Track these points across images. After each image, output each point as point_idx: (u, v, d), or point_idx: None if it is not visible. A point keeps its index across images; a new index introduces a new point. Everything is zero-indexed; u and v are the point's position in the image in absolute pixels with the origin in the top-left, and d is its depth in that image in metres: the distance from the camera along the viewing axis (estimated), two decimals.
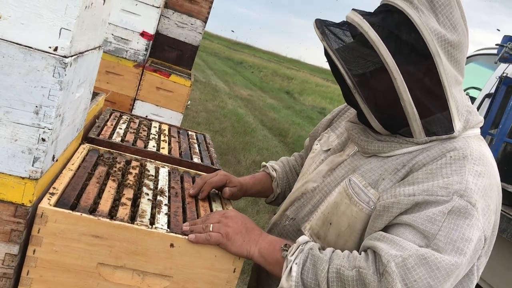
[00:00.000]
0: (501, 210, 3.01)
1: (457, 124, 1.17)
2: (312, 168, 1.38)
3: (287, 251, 1.14)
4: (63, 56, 0.99)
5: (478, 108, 4.00)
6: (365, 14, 1.13)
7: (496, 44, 3.87)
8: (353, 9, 1.15)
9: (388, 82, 1.10)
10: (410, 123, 1.15)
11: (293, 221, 1.33)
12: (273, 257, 1.16)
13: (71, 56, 1.04)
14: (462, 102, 1.19)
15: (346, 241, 1.19)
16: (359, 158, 1.25)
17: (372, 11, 1.19)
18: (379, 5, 1.20)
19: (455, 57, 1.14)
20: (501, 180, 3.91)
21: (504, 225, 2.92)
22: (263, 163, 1.70)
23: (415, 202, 1.07)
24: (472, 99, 4.35)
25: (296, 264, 1.10)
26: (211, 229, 1.15)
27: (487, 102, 3.85)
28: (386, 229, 1.11)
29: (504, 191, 3.18)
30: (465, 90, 4.77)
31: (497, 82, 3.71)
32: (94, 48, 1.37)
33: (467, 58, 4.73)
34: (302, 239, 1.16)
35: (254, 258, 1.18)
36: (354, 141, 1.28)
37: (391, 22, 1.12)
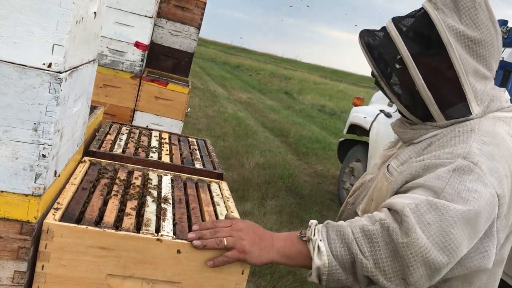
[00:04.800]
0: None
1: (475, 109, 1.29)
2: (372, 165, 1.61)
3: (305, 236, 1.18)
4: (57, 72, 1.00)
5: None
6: (399, 17, 1.33)
7: None
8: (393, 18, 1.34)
9: (408, 72, 1.27)
10: (430, 109, 1.29)
11: (352, 206, 1.51)
12: (294, 250, 1.19)
13: (66, 71, 1.05)
14: (485, 91, 1.30)
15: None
16: (402, 149, 1.41)
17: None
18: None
19: (477, 52, 1.27)
20: None
21: None
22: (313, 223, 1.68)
23: (424, 165, 1.21)
24: None
25: (321, 240, 1.15)
26: (225, 243, 1.14)
27: None
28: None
29: None
30: None
31: None
32: (89, 62, 1.38)
33: None
34: (312, 221, 1.22)
35: (276, 260, 1.19)
36: (396, 133, 1.44)
37: (414, 19, 1.30)
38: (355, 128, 5.93)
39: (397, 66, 1.33)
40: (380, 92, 5.71)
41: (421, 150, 1.31)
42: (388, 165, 1.38)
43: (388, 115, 5.22)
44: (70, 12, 1.00)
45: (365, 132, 5.50)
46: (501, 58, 3.75)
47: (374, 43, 1.34)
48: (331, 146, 9.09)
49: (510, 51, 3.79)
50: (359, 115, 5.78)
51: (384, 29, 1.33)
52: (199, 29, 4.52)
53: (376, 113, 5.35)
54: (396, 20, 1.30)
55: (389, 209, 1.17)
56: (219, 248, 1.14)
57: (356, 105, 6.29)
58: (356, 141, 6.03)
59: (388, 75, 1.33)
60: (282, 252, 1.18)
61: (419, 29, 1.28)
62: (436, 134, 1.31)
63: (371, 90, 23.68)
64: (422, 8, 1.31)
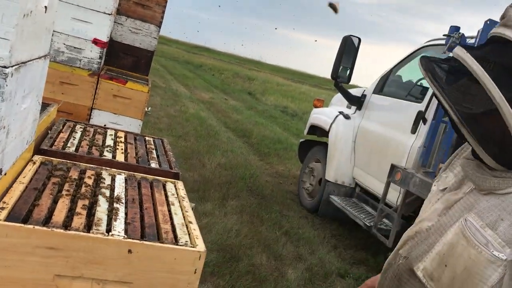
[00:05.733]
0: None
1: None
2: (428, 208, 1.32)
3: None
4: (2, 67, 0.97)
5: (431, 98, 4.13)
6: (470, 48, 1.08)
7: (444, 35, 4.01)
8: (459, 45, 1.11)
9: (497, 115, 1.04)
10: None
11: (406, 260, 1.26)
12: None
13: (12, 66, 1.02)
14: None
15: (461, 284, 1.13)
16: (475, 196, 1.18)
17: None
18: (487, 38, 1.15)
19: None
20: None
21: None
22: None
23: None
24: (425, 89, 4.49)
25: None
26: None
27: None
28: None
29: None
30: (418, 80, 4.92)
31: None
32: (39, 58, 1.35)
33: (418, 50, 4.90)
34: None
35: None
36: (469, 178, 1.22)
37: (498, 52, 1.07)
38: (315, 129, 6.01)
39: (482, 108, 1.08)
40: (339, 94, 5.82)
41: None
42: (466, 220, 1.15)
43: (347, 117, 5.32)
44: (17, 5, 0.97)
45: (325, 133, 5.59)
46: None
47: (449, 78, 1.12)
48: (293, 146, 9.17)
49: None
50: (320, 116, 5.86)
51: (456, 60, 1.10)
52: (159, 27, 4.47)
53: (335, 115, 5.44)
54: (475, 54, 1.06)
55: None
56: None
57: (316, 106, 6.38)
58: (316, 142, 6.12)
59: (471, 118, 1.09)
60: None
61: (508, 63, 1.05)
62: None
63: (332, 92, 24.05)
64: (497, 36, 1.08)
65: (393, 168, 3.96)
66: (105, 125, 2.68)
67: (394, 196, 4.17)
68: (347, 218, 4.82)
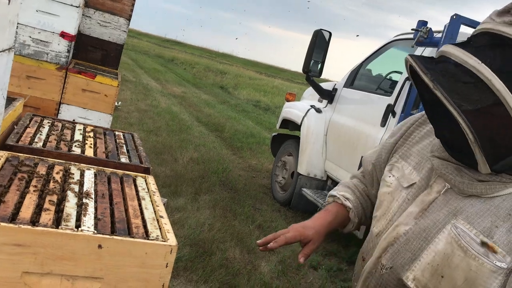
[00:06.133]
0: None
1: None
2: (396, 207, 1.27)
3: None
4: None
5: (400, 91, 4.21)
6: (466, 47, 1.02)
7: (412, 29, 4.09)
8: (451, 44, 1.04)
9: (503, 118, 0.99)
10: None
11: (391, 270, 1.20)
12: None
13: None
14: None
15: None
16: (455, 198, 1.14)
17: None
18: (475, 33, 1.08)
19: None
20: None
21: None
22: (331, 192, 1.58)
23: None
24: (394, 83, 4.58)
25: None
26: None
27: (407, 84, 4.06)
28: None
29: None
30: (387, 74, 5.00)
31: None
32: (3, 51, 1.31)
33: (387, 44, 4.98)
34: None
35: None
36: (449, 182, 1.15)
37: (505, 54, 1.00)
38: (287, 123, 6.05)
39: (488, 109, 1.00)
40: (311, 88, 5.86)
41: (509, 216, 1.06)
42: (456, 227, 1.10)
43: (318, 111, 5.37)
44: None
45: (297, 127, 5.63)
46: None
47: (451, 83, 1.01)
48: (265, 140, 9.21)
49: (430, 50, 4.02)
50: (291, 110, 5.90)
51: (449, 59, 1.04)
52: (129, 20, 4.40)
53: (307, 109, 5.49)
54: (481, 54, 0.99)
55: None
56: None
57: (288, 100, 6.41)
58: (288, 136, 6.16)
59: (474, 117, 0.99)
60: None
61: None
62: None
63: (303, 86, 24.18)
64: (498, 35, 1.02)
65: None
66: (74, 120, 2.63)
67: None
68: (318, 210, 4.87)
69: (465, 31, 3.79)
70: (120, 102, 8.86)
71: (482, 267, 1.04)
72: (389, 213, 1.28)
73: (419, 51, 4.23)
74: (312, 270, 4.04)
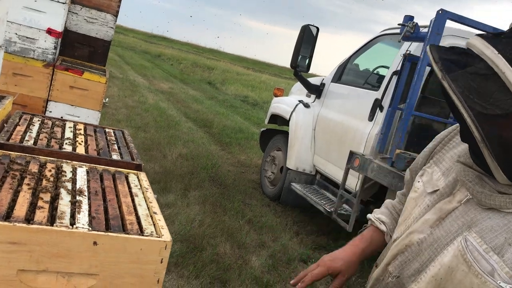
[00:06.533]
0: None
1: None
2: (416, 213, 1.19)
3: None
4: None
5: (387, 85, 4.26)
6: (490, 39, 0.92)
7: (399, 24, 4.12)
8: (478, 35, 0.94)
9: None
10: None
11: (397, 279, 1.14)
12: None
13: None
14: None
15: None
16: (474, 209, 1.04)
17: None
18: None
19: None
20: (412, 150, 4.16)
21: None
22: (368, 215, 1.49)
23: None
24: (381, 77, 4.62)
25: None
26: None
27: (394, 79, 4.10)
28: None
29: (414, 159, 3.44)
30: (374, 69, 5.05)
31: (402, 60, 3.96)
32: None
33: (374, 39, 5.03)
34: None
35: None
36: (469, 191, 1.06)
37: None
38: (276, 118, 6.07)
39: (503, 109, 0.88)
40: (299, 83, 5.88)
41: None
42: (466, 240, 1.01)
43: (306, 105, 5.40)
44: None
45: (286, 122, 5.66)
46: (408, 51, 4.02)
47: (465, 80, 0.91)
48: (254, 136, 9.22)
49: (416, 45, 4.07)
50: (280, 105, 5.93)
51: (475, 56, 0.92)
52: (116, 16, 4.38)
53: (295, 104, 5.52)
54: (503, 46, 0.89)
55: None
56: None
57: (276, 95, 6.43)
58: (277, 131, 6.18)
59: (485, 120, 0.89)
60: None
61: None
62: None
63: (291, 81, 24.22)
64: None
65: (351, 155, 4.07)
66: (62, 117, 2.62)
67: (353, 182, 4.29)
68: (308, 204, 4.92)
69: (451, 26, 3.84)
70: (107, 99, 8.80)
71: (485, 286, 0.96)
72: (410, 219, 1.20)
73: (405, 46, 4.27)
74: (302, 264, 4.08)
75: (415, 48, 4.09)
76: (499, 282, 0.94)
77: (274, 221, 4.89)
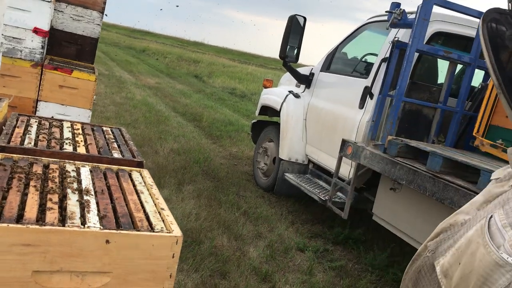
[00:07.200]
0: (406, 163, 3.30)
1: None
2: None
3: None
4: None
5: (376, 73, 4.29)
6: None
7: (386, 11, 4.15)
8: None
9: None
10: None
11: (432, 254, 1.15)
12: None
13: None
14: None
15: (466, 284, 1.02)
16: None
17: None
18: None
19: None
20: (404, 136, 4.20)
21: (410, 176, 3.21)
22: None
23: None
24: (370, 65, 4.65)
25: None
26: None
27: (383, 66, 4.13)
28: None
29: (406, 145, 3.49)
30: (362, 57, 5.08)
31: (390, 47, 4.00)
32: None
33: (361, 26, 5.05)
34: None
35: None
36: None
37: None
38: (266, 110, 6.09)
39: None
40: (288, 73, 5.89)
41: None
42: (491, 217, 1.00)
43: (296, 96, 5.42)
44: None
45: (276, 113, 5.67)
46: (396, 38, 4.05)
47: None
48: (244, 128, 9.23)
49: (404, 31, 4.10)
50: (270, 96, 5.94)
51: None
52: (102, 13, 4.35)
53: (285, 94, 5.53)
54: None
55: None
56: None
57: (266, 87, 6.44)
58: (268, 122, 6.20)
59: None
60: None
61: None
62: None
63: (278, 71, 24.23)
64: None
65: (344, 143, 4.10)
66: (52, 117, 2.61)
67: (346, 169, 4.33)
68: (302, 194, 4.96)
69: (438, 12, 3.88)
70: (95, 96, 8.74)
71: (488, 256, 0.96)
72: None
73: (393, 32, 4.31)
74: (299, 252, 4.12)
75: (402, 34, 4.12)
76: (501, 253, 0.94)
77: (269, 212, 4.93)
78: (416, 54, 3.77)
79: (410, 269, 1.22)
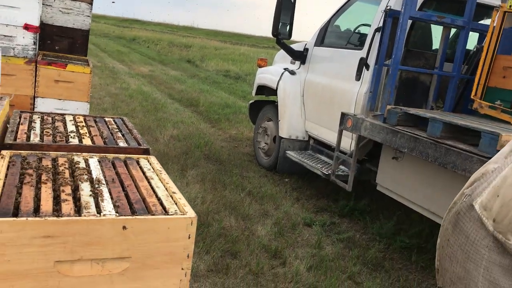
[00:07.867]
0: (406, 131, 3.32)
1: None
2: None
3: None
4: None
5: (370, 43, 4.28)
6: None
7: None
8: None
9: None
10: None
11: (469, 198, 1.26)
12: None
13: None
14: None
15: (507, 212, 1.11)
16: None
17: None
18: None
19: None
20: (402, 104, 4.22)
21: (412, 144, 3.24)
22: None
23: None
24: (364, 36, 4.64)
25: None
26: None
27: (377, 36, 4.12)
28: None
29: (406, 113, 3.50)
30: (356, 28, 5.05)
31: (383, 16, 3.98)
32: None
33: None
34: None
35: None
36: None
37: None
38: (263, 89, 6.08)
39: None
40: (282, 51, 5.86)
41: None
42: None
43: (292, 73, 5.41)
44: None
45: (273, 91, 5.67)
46: (388, 7, 4.03)
47: None
48: (241, 109, 9.22)
49: (395, 1, 4.08)
50: (265, 75, 5.92)
51: None
52: (91, 4, 4.31)
53: (281, 72, 5.52)
54: None
55: None
56: None
57: (260, 66, 6.42)
58: (265, 102, 6.20)
59: None
60: None
61: None
62: None
63: (271, 50, 24.06)
64: None
65: (343, 116, 4.12)
66: (51, 113, 2.62)
67: (347, 142, 4.35)
68: (304, 170, 4.99)
69: None
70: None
71: None
72: None
73: (384, 1, 4.28)
74: (307, 227, 4.17)
75: (394, 2, 4.10)
76: None
77: (274, 190, 4.97)
78: (409, 22, 3.75)
79: (448, 215, 1.31)
